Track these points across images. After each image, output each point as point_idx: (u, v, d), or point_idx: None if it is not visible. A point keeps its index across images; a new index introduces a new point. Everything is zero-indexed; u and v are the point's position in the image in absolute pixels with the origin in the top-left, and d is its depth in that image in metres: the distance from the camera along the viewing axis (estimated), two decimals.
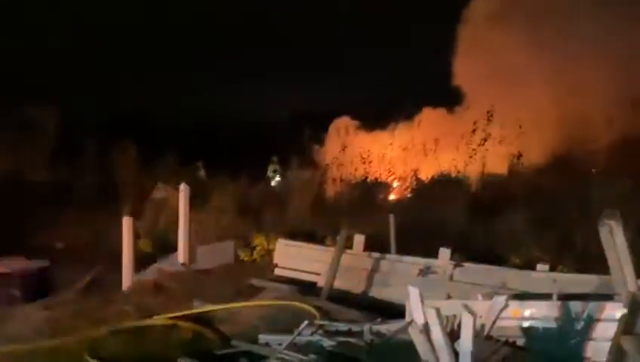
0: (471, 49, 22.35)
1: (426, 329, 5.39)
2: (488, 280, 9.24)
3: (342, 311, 8.59)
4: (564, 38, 20.41)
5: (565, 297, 6.79)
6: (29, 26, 23.99)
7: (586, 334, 6.37)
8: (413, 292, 5.67)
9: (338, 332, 7.22)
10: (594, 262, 7.73)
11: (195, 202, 11.85)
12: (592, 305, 6.46)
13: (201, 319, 8.26)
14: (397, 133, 23.33)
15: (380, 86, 25.74)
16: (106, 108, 22.99)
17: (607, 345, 5.89)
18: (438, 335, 5.34)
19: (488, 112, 18.85)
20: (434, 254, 9.97)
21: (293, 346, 6.70)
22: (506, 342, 6.49)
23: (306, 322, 7.15)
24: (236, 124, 25.66)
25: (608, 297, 6.60)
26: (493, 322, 6.39)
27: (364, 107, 24.47)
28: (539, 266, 9.52)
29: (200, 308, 8.75)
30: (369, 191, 18.08)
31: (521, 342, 6.55)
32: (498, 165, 18.10)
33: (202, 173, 21.27)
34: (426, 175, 18.99)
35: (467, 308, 5.48)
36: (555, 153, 19.74)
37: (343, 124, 24.16)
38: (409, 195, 18.30)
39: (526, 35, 21.20)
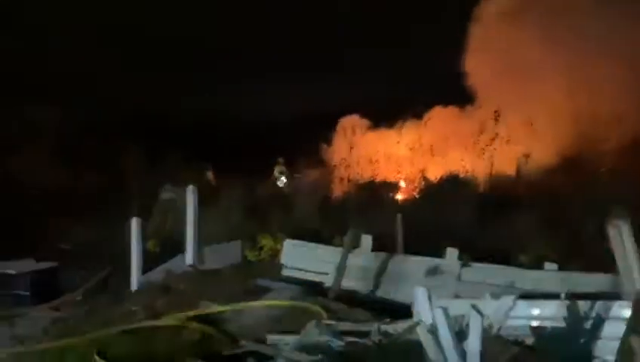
0: (481, 47, 22.12)
1: (434, 329, 5.39)
2: (496, 280, 9.20)
3: (349, 311, 8.57)
4: (576, 35, 20.16)
5: (573, 296, 6.78)
6: (29, 26, 24.00)
7: (594, 333, 6.36)
8: (421, 293, 5.67)
9: (346, 333, 7.21)
10: (602, 261, 7.70)
11: (202, 202, 11.86)
12: (600, 304, 6.44)
13: (209, 319, 8.26)
14: (404, 132, 23.30)
15: (380, 86, 25.62)
16: (106, 108, 22.98)
17: (616, 344, 5.86)
18: (446, 335, 5.33)
19: (495, 112, 18.80)
20: (442, 254, 9.95)
21: (301, 346, 6.70)
22: (515, 342, 6.48)
23: (313, 322, 7.15)
24: (237, 124, 25.63)
25: (616, 296, 6.58)
26: (502, 322, 6.38)
27: (364, 107, 24.43)
28: (547, 265, 9.49)
29: (208, 308, 8.76)
30: (376, 190, 18.08)
31: (529, 341, 6.54)
32: (507, 164, 18.05)
33: (210, 173, 21.30)
34: (434, 174, 18.97)
35: (475, 307, 5.47)
36: (567, 152, 19.57)
37: (349, 123, 24.12)
38: (417, 195, 18.29)
39: (538, 32, 20.98)
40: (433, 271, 9.82)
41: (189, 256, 11.06)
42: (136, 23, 25.08)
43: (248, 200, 15.76)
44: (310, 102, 25.00)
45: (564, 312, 6.54)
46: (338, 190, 18.54)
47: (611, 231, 6.18)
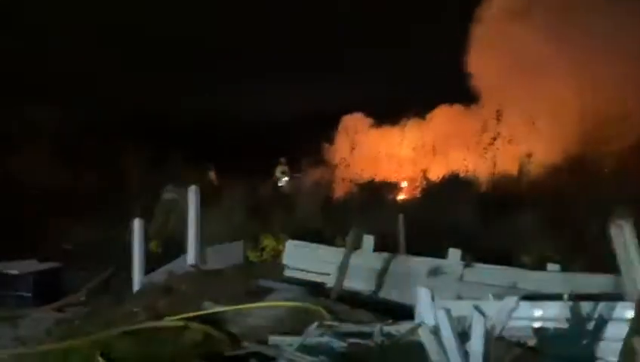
0: (484, 45, 22.03)
1: (436, 331, 5.38)
2: (499, 281, 9.18)
3: (352, 312, 8.56)
4: (581, 33, 19.96)
5: (576, 297, 6.76)
6: (29, 26, 24.03)
7: (597, 334, 6.34)
8: (424, 293, 5.66)
9: (348, 334, 7.20)
10: (605, 261, 7.68)
11: (204, 203, 11.85)
12: (603, 305, 6.43)
13: (211, 320, 8.26)
14: (407, 131, 23.28)
15: (380, 86, 25.66)
16: (106, 108, 22.99)
17: (619, 345, 5.85)
18: (448, 336, 5.32)
19: (497, 111, 18.76)
20: (444, 254, 9.93)
21: (303, 347, 6.70)
22: (517, 343, 6.46)
23: (315, 323, 7.15)
24: (237, 124, 25.65)
25: (619, 297, 6.56)
26: (504, 322, 6.36)
27: (364, 107, 24.47)
28: (550, 266, 9.47)
29: (210, 309, 8.75)
30: (378, 190, 18.06)
31: (532, 342, 6.53)
32: (510, 164, 18.00)
33: (212, 173, 21.28)
34: (436, 174, 18.94)
35: (478, 308, 5.46)
36: (570, 152, 19.46)
37: (352, 121, 24.09)
38: (419, 195, 18.27)
39: (542, 30, 20.86)
40: (435, 272, 9.80)
41: (190, 257, 11.06)
42: (136, 23, 25.11)
43: (250, 200, 15.75)
44: (310, 102, 25.05)
45: (566, 313, 6.53)
46: (340, 190, 18.51)
47: (614, 232, 6.16)
